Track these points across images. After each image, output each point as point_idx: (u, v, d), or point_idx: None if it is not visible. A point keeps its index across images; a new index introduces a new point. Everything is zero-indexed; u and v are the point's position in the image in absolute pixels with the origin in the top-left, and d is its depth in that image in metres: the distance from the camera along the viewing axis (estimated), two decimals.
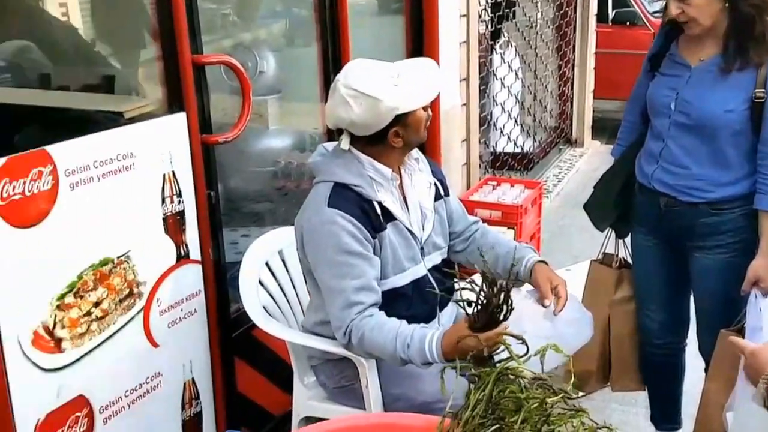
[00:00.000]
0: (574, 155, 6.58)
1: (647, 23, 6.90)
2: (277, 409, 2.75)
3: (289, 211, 2.87)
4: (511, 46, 5.46)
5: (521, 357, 1.58)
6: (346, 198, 2.00)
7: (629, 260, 2.64)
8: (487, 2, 4.81)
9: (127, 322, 2.13)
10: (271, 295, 2.41)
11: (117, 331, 2.10)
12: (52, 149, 1.84)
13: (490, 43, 5.09)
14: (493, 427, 1.44)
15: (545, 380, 1.50)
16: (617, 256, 2.65)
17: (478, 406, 1.48)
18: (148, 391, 2.22)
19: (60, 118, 2.27)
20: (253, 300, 2.31)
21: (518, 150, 5.70)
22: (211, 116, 2.31)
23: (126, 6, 2.73)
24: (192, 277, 2.35)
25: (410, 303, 2.09)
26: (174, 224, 2.24)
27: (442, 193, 2.24)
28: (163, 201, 2.19)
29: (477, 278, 1.81)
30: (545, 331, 1.99)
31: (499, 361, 1.64)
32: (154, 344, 2.23)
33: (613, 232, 2.65)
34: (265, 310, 2.34)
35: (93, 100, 2.41)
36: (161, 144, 2.16)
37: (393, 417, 1.77)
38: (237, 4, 3.43)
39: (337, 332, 2.01)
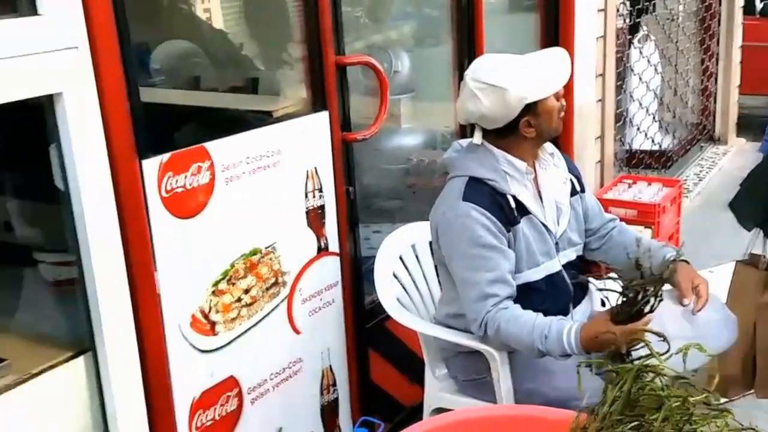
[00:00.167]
0: (717, 153, 6.27)
1: None
2: (408, 401, 2.82)
3: (420, 209, 2.93)
4: (650, 40, 5.29)
5: (662, 354, 1.56)
6: (481, 192, 2.03)
7: None
8: None
9: (273, 309, 2.26)
10: (404, 288, 2.48)
11: (263, 318, 2.23)
12: (210, 146, 1.98)
13: (627, 37, 4.96)
14: (632, 424, 1.43)
15: (687, 379, 1.48)
16: (765, 256, 2.53)
17: (616, 403, 1.47)
18: (290, 376, 2.35)
19: (213, 117, 2.43)
20: (387, 291, 2.38)
21: (656, 147, 5.50)
22: (350, 115, 2.41)
23: (270, 11, 2.89)
24: (330, 269, 2.46)
25: (543, 298, 2.09)
26: (315, 218, 2.36)
27: (578, 188, 2.22)
28: (306, 196, 2.31)
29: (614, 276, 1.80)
30: (685, 331, 1.94)
31: (637, 358, 1.62)
32: (297, 331, 2.35)
33: (761, 231, 2.53)
34: (399, 302, 2.41)
35: (245, 100, 2.57)
36: (305, 141, 2.28)
37: (527, 409, 1.78)
38: (368, 7, 3.53)
39: (472, 324, 2.04)
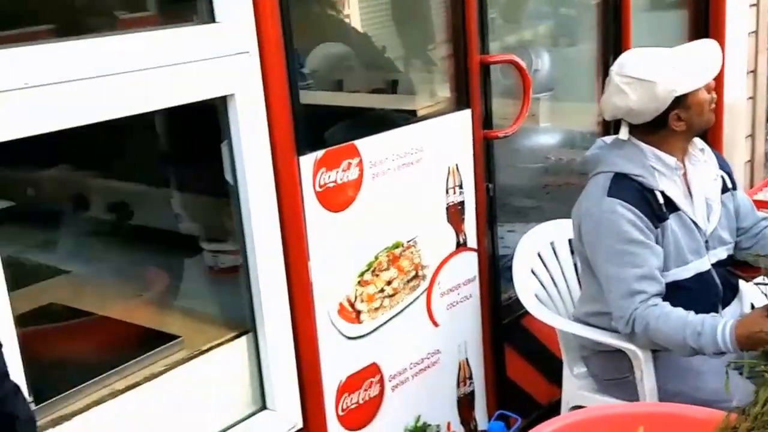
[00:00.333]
0: None
1: None
2: (543, 398, 2.83)
3: (557, 208, 2.93)
4: None
5: None
6: (627, 187, 2.02)
7: None
8: None
9: (413, 301, 2.35)
10: (542, 285, 2.50)
11: (404, 309, 2.32)
12: (359, 143, 2.10)
13: None
14: None
15: None
16: None
17: None
18: (428, 366, 2.43)
19: (361, 116, 2.56)
20: (526, 287, 2.41)
21: None
22: (492, 113, 2.47)
23: (411, 14, 2.99)
24: (468, 264, 2.52)
25: (692, 298, 2.04)
26: (455, 214, 2.43)
27: (729, 186, 2.17)
28: (447, 192, 2.39)
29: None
30: None
31: None
32: (435, 323, 2.43)
33: None
34: (537, 299, 2.44)
35: (393, 100, 2.69)
36: (448, 139, 2.36)
37: (672, 407, 1.77)
38: (503, 8, 3.56)
39: (618, 322, 2.03)
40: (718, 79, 2.09)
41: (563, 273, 2.56)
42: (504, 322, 2.69)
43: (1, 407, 0.90)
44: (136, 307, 2.27)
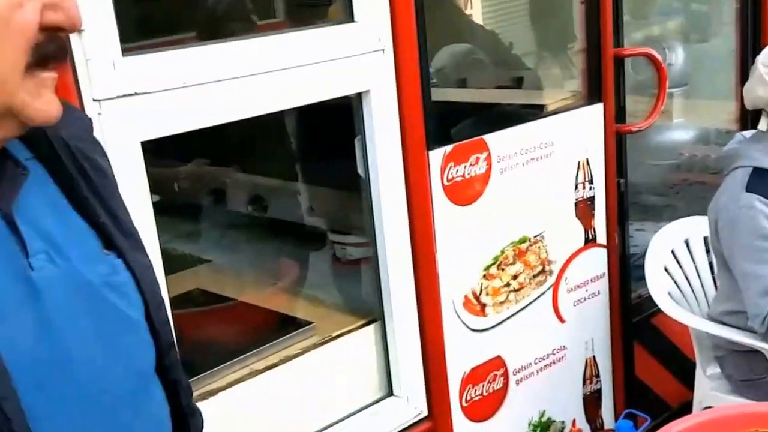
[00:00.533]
0: None
1: None
2: (673, 400, 2.75)
3: (690, 206, 2.85)
4: None
5: None
6: (766, 182, 1.96)
7: None
8: None
9: (539, 297, 2.34)
10: (675, 283, 2.43)
11: (529, 304, 2.32)
12: (488, 138, 2.12)
13: None
14: None
15: None
16: None
17: None
18: (554, 362, 2.42)
19: (488, 112, 2.58)
20: (658, 285, 2.36)
21: None
22: (625, 107, 2.43)
23: (538, 9, 2.97)
24: (597, 261, 2.49)
25: None
26: (584, 209, 2.40)
27: None
28: (576, 187, 2.37)
29: None
30: None
31: None
32: (561, 319, 2.42)
33: None
34: (670, 297, 2.37)
35: (522, 95, 2.69)
36: (578, 133, 2.34)
37: None
38: (631, 3, 3.50)
39: (753, 320, 1.97)
40: None
41: (697, 271, 2.49)
42: (634, 320, 2.63)
43: (168, 374, 0.96)
44: (271, 295, 2.40)
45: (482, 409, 2.24)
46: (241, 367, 1.88)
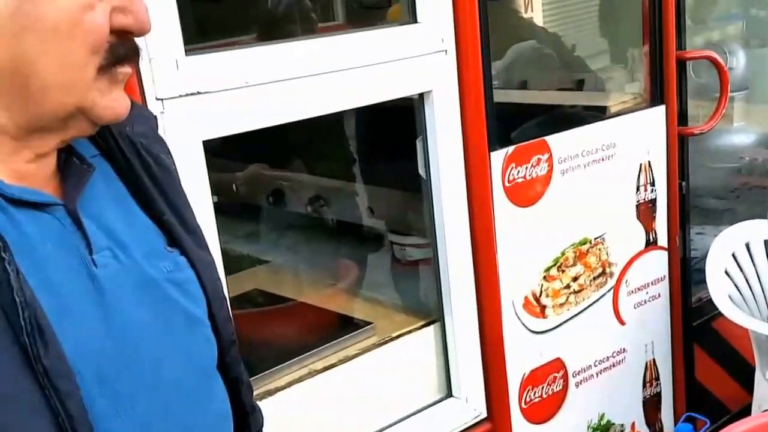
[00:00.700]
0: None
1: None
2: (733, 404, 2.71)
3: (750, 210, 2.80)
4: None
5: None
6: None
7: None
8: None
9: (599, 299, 2.33)
10: (736, 287, 2.39)
11: (590, 306, 2.31)
12: (550, 139, 2.11)
13: None
14: None
15: None
16: None
17: None
18: (614, 365, 2.40)
19: (549, 114, 2.57)
20: (719, 288, 2.33)
21: None
22: (687, 110, 2.40)
23: (600, 12, 2.95)
24: (658, 264, 2.46)
25: None
26: (645, 211, 2.38)
27: None
28: (638, 189, 2.35)
29: None
30: None
31: None
32: (621, 322, 2.40)
33: None
34: (731, 300, 2.34)
35: (585, 97, 2.68)
36: (640, 135, 2.32)
37: None
38: (691, 8, 3.46)
39: None
40: None
41: (758, 275, 2.45)
42: (694, 324, 2.60)
43: (230, 371, 0.96)
44: (330, 295, 2.42)
45: (541, 411, 2.23)
46: (300, 367, 1.89)
